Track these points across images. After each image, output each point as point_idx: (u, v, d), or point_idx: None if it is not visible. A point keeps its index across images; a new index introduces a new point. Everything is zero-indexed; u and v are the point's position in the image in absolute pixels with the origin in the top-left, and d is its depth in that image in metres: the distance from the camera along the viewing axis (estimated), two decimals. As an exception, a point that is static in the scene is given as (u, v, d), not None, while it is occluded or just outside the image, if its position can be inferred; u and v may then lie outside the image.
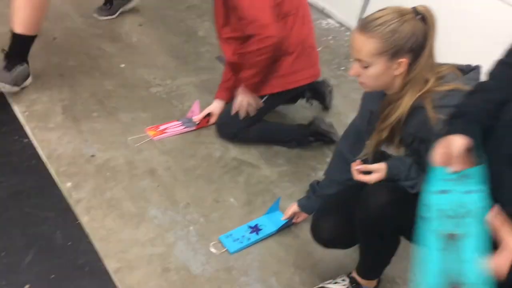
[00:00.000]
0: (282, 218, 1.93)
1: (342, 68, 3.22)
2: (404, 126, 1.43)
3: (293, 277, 1.77)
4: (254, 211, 2.01)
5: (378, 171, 1.47)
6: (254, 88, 2.21)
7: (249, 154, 2.32)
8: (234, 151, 2.32)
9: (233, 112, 2.27)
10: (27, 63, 2.34)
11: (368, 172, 1.49)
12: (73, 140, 2.15)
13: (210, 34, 3.26)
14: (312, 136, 2.40)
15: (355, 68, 1.40)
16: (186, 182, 2.08)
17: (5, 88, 2.24)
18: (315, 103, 2.63)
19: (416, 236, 1.53)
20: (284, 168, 2.28)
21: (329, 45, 3.43)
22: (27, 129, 2.16)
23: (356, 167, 1.50)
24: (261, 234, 1.89)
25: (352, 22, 3.64)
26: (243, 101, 2.24)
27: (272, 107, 2.37)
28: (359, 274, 1.66)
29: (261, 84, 2.21)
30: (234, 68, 2.28)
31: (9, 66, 2.25)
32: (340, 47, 3.46)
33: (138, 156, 2.16)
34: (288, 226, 1.96)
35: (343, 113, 2.71)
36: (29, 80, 2.38)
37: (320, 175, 2.28)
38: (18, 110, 2.26)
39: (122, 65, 2.76)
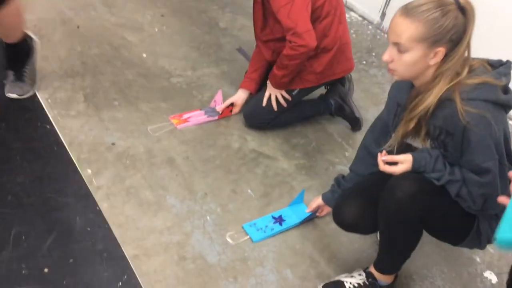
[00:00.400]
0: (307, 211, 1.93)
1: (364, 62, 3.19)
2: (431, 118, 1.42)
3: (308, 269, 1.77)
4: (271, 203, 2.01)
5: (404, 162, 1.46)
6: (284, 86, 2.26)
7: (267, 146, 2.32)
8: (253, 143, 2.32)
9: (264, 103, 2.29)
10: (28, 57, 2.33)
11: (394, 163, 1.48)
12: (94, 128, 2.18)
13: (231, 26, 3.26)
14: (334, 100, 2.44)
15: (390, 53, 1.39)
16: (204, 172, 2.09)
17: (30, 92, 2.28)
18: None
19: (438, 229, 1.52)
20: (302, 161, 2.28)
21: (351, 39, 3.38)
22: (50, 116, 2.19)
23: (382, 157, 1.49)
24: (285, 225, 1.90)
25: (375, 16, 3.60)
26: (273, 95, 2.28)
27: (301, 99, 2.39)
28: (376, 268, 1.65)
29: (294, 79, 2.25)
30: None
31: (19, 76, 2.26)
32: (362, 41, 3.42)
33: (158, 145, 2.17)
34: (312, 218, 1.96)
35: (363, 107, 2.68)
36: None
37: (338, 169, 2.27)
38: (41, 97, 2.29)
39: (144, 55, 2.78)
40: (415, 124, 1.45)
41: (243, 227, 1.87)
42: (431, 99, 1.38)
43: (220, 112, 2.41)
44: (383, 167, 1.49)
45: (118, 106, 2.35)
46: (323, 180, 2.18)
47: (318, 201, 1.91)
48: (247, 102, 2.46)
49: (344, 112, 2.47)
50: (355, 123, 2.50)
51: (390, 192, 1.44)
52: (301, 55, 2.07)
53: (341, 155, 2.37)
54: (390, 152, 1.54)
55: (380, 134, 1.69)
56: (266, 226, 1.88)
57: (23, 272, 1.54)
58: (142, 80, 2.57)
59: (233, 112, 2.45)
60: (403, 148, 1.54)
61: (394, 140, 1.54)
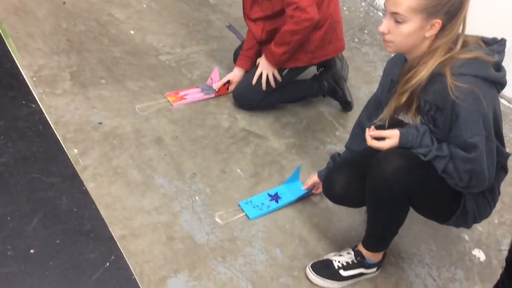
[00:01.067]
0: (302, 188, 1.93)
1: (356, 40, 3.15)
2: (422, 93, 1.42)
3: (297, 249, 1.77)
4: (261, 182, 2.00)
5: (391, 137, 1.46)
6: (282, 64, 2.22)
7: (258, 125, 2.30)
8: (243, 122, 2.29)
9: (254, 82, 2.26)
10: None
11: (381, 139, 1.48)
12: (80, 107, 2.14)
13: (221, 2, 3.20)
14: (327, 82, 2.41)
15: (387, 23, 1.38)
16: (193, 152, 2.06)
17: None
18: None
19: (424, 206, 1.52)
20: (292, 140, 2.26)
21: (343, 16, 3.33)
22: (35, 94, 2.14)
23: (370, 132, 1.49)
24: (281, 203, 1.90)
25: (368, -8, 3.54)
26: (264, 74, 2.24)
27: (292, 79, 2.35)
28: (365, 246, 1.65)
29: (288, 59, 2.21)
30: (263, 45, 2.31)
31: None
32: (355, 18, 3.38)
33: (146, 125, 2.14)
34: (308, 196, 1.96)
35: (355, 86, 2.66)
36: None
37: (328, 148, 2.25)
38: (26, 75, 2.24)
39: (131, 32, 2.72)
40: (407, 98, 1.45)
41: (239, 205, 1.86)
42: (424, 72, 1.38)
43: (217, 89, 2.37)
44: (371, 142, 1.49)
45: (105, 85, 2.31)
46: (313, 159, 2.16)
47: (314, 178, 1.90)
48: None
49: (336, 94, 2.45)
50: (345, 106, 2.48)
51: (376, 166, 1.44)
52: (305, 30, 2.05)
53: (332, 134, 2.35)
54: (381, 127, 1.54)
55: (374, 111, 1.68)
56: (262, 204, 1.88)
57: (9, 253, 1.51)
58: (129, 58, 2.52)
59: (229, 90, 2.42)
60: (395, 123, 1.54)
61: (386, 114, 1.54)
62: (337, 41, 2.30)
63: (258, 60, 2.29)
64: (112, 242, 1.63)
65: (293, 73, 2.32)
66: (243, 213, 1.84)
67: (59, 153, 1.90)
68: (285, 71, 2.27)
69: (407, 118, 1.52)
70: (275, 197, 1.92)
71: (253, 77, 2.26)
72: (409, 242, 1.88)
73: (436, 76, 1.36)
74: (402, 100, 1.46)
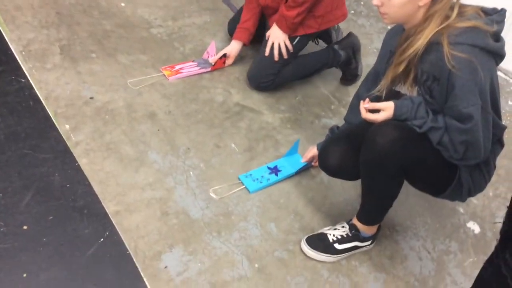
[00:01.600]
0: (302, 161, 1.93)
1: (352, 11, 3.10)
2: (419, 62, 1.40)
3: (292, 223, 1.76)
4: (255, 157, 1.98)
5: (385, 109, 1.45)
6: (295, 29, 2.18)
7: (252, 99, 2.27)
8: (237, 96, 2.26)
9: (266, 53, 2.21)
10: None
11: (376, 111, 1.46)
12: (71, 82, 2.10)
13: (214, -27, 3.12)
14: (344, 52, 2.37)
15: None
16: (187, 127, 2.04)
17: None
18: (321, 42, 2.54)
19: (419, 179, 1.51)
20: (287, 115, 2.23)
21: (338, -13, 3.27)
22: (25, 69, 2.09)
23: (364, 105, 1.47)
24: (280, 176, 1.89)
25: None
26: (276, 43, 2.20)
27: (301, 49, 2.31)
28: (359, 220, 1.65)
29: (300, 23, 2.18)
30: (267, 11, 2.26)
31: None
32: (350, -11, 3.31)
33: (138, 99, 2.11)
34: (307, 168, 1.96)
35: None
36: None
37: (323, 122, 2.24)
38: (15, 49, 2.19)
39: (122, 4, 2.66)
40: (404, 68, 1.43)
41: (239, 178, 1.86)
42: (420, 41, 1.36)
43: (213, 63, 2.33)
44: (365, 115, 1.48)
45: (95, 59, 2.26)
46: (308, 134, 2.15)
47: (313, 151, 1.90)
48: (240, 55, 2.39)
49: (349, 66, 2.41)
50: (351, 79, 2.45)
51: (370, 139, 1.43)
52: None
53: (327, 108, 2.33)
54: (378, 98, 1.52)
55: (372, 84, 1.66)
56: (262, 177, 1.88)
57: (2, 229, 1.50)
58: (120, 31, 2.47)
59: (226, 64, 2.38)
60: (392, 94, 1.52)
61: (383, 84, 1.52)
62: (343, 6, 2.27)
63: (267, 33, 2.23)
64: (106, 218, 1.62)
65: (304, 42, 2.27)
66: (238, 188, 1.83)
67: (50, 128, 1.88)
68: (296, 39, 2.22)
69: (404, 89, 1.51)
70: (275, 170, 1.91)
71: (263, 54, 2.21)
72: (403, 215, 1.89)
73: (433, 45, 1.34)
74: (399, 70, 1.44)
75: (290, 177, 1.92)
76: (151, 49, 2.40)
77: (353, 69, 2.43)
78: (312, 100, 2.35)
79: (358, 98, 1.74)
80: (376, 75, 1.66)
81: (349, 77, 2.46)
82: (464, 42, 1.29)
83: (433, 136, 1.40)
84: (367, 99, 1.50)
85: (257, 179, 1.87)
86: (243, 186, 1.84)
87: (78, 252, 1.50)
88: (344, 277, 1.63)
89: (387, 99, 1.50)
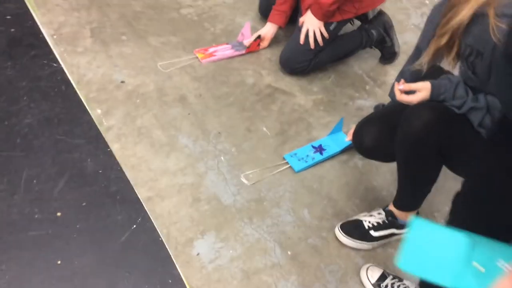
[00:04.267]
0: (346, 139, 1.87)
1: (387, -14, 2.96)
2: (463, 36, 1.31)
3: (326, 209, 1.72)
4: (287, 141, 1.94)
5: (422, 90, 1.38)
6: (330, 16, 2.10)
7: (283, 81, 2.21)
8: (268, 78, 2.21)
9: (301, 40, 2.14)
10: None
11: (412, 93, 1.40)
12: (102, 65, 2.09)
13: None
14: (376, 31, 2.29)
15: None
16: (218, 110, 2.01)
17: None
18: (357, 22, 2.45)
19: (458, 163, 1.44)
20: (320, 96, 2.17)
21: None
22: (56, 53, 2.10)
23: (399, 86, 1.41)
24: (325, 154, 1.87)
25: None
26: (311, 30, 2.12)
27: (337, 34, 2.23)
28: (396, 206, 1.60)
29: (336, 10, 2.10)
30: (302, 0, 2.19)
31: None
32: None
33: (169, 83, 2.08)
34: (352, 147, 1.90)
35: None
36: None
37: (358, 104, 2.16)
38: (46, 33, 2.19)
39: (152, -15, 2.62)
40: (447, 40, 1.34)
41: (284, 157, 1.84)
42: (465, 11, 1.26)
43: (248, 46, 2.28)
44: (400, 97, 1.42)
45: (126, 41, 2.24)
46: (342, 116, 2.08)
47: None
48: (276, 38, 2.33)
49: (384, 44, 2.32)
50: (390, 57, 2.36)
51: (406, 121, 1.36)
52: None
53: (361, 88, 2.25)
54: (418, 74, 1.45)
55: (416, 59, 1.57)
56: (307, 156, 1.86)
57: (36, 216, 1.52)
58: (150, 12, 2.44)
59: (261, 46, 2.32)
60: (434, 70, 1.44)
61: (424, 58, 1.43)
62: None
63: (301, 19, 2.15)
64: (138, 204, 1.62)
65: (340, 27, 2.19)
66: (271, 173, 1.79)
67: (83, 113, 1.88)
68: (332, 25, 2.14)
69: (446, 64, 1.42)
70: (319, 149, 1.89)
71: (297, 39, 2.14)
72: (442, 200, 1.81)
73: (478, 17, 1.25)
74: (442, 43, 1.35)
75: (335, 155, 1.89)
76: (181, 30, 2.37)
77: (389, 47, 2.33)
78: (346, 81, 2.28)
79: (401, 76, 1.67)
80: (419, 52, 1.57)
81: (387, 55, 2.37)
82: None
83: (473, 117, 1.32)
84: (402, 80, 1.43)
85: (302, 158, 1.85)
86: (274, 172, 1.80)
87: (111, 239, 1.51)
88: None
89: (429, 76, 1.42)
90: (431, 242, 0.98)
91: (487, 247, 0.94)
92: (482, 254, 0.92)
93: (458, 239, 0.95)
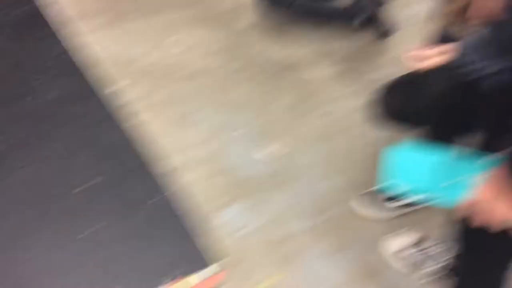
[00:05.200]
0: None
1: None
2: None
3: (355, 177, 1.70)
4: (303, 115, 1.94)
5: (435, 56, 1.26)
6: None
7: (298, 54, 2.20)
8: (282, 53, 2.20)
9: None
10: None
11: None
12: (119, 41, 2.09)
13: None
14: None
15: None
16: (235, 85, 2.01)
17: None
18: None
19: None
20: (334, 69, 2.16)
21: None
22: (72, 31, 2.09)
23: (409, 54, 1.31)
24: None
25: None
26: None
27: None
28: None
29: None
30: None
31: None
32: None
33: (186, 57, 2.08)
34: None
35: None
36: None
37: (372, 77, 2.15)
38: (59, 11, 2.18)
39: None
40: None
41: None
42: None
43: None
44: (414, 66, 1.28)
45: (140, 16, 2.23)
46: (355, 89, 2.07)
47: None
48: None
49: (370, 23, 2.27)
50: (381, 36, 2.31)
51: (419, 87, 1.32)
52: None
53: (372, 61, 2.23)
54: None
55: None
56: None
57: (54, 192, 1.53)
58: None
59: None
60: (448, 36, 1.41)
61: (437, 23, 1.39)
62: None
63: None
64: (160, 177, 1.63)
65: None
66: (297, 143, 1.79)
67: (101, 89, 1.88)
68: None
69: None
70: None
71: None
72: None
73: None
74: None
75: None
76: (197, 2, 2.35)
77: (377, 27, 2.29)
78: (357, 55, 2.26)
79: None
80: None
81: (377, 35, 2.32)
82: None
83: (491, 83, 1.29)
84: (413, 48, 1.38)
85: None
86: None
87: (133, 212, 1.52)
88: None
89: (443, 41, 1.38)
90: (412, 162, 1.00)
91: (461, 162, 0.96)
92: (459, 167, 0.96)
93: (436, 157, 0.98)
